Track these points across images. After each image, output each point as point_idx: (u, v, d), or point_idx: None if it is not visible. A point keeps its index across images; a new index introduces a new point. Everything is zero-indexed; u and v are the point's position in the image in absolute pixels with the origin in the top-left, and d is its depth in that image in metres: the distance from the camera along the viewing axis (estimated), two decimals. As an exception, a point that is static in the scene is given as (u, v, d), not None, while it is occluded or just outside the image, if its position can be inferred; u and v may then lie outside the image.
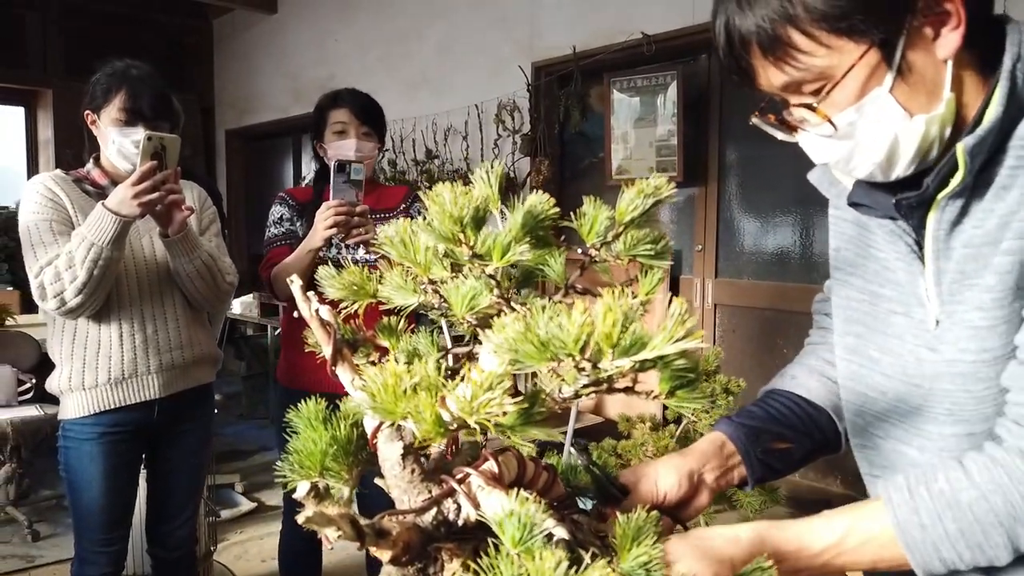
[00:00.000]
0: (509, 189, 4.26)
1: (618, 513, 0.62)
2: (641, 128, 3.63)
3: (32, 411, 3.49)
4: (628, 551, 0.58)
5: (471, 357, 0.84)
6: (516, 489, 0.58)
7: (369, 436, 0.68)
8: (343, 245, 2.05)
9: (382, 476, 0.70)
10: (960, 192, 0.75)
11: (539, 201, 0.74)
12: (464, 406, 0.53)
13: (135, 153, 1.77)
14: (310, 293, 0.70)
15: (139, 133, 1.76)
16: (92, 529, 1.87)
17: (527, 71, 4.13)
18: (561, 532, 0.60)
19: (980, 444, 0.72)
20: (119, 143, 1.79)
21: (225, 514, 3.50)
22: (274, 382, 2.26)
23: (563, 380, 0.62)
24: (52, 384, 1.87)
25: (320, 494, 0.63)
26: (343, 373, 0.69)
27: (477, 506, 0.65)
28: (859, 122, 0.74)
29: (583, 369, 0.60)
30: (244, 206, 7.04)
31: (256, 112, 6.68)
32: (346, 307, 0.79)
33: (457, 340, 0.83)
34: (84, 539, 1.88)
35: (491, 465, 0.69)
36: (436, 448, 0.73)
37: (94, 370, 1.83)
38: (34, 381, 3.70)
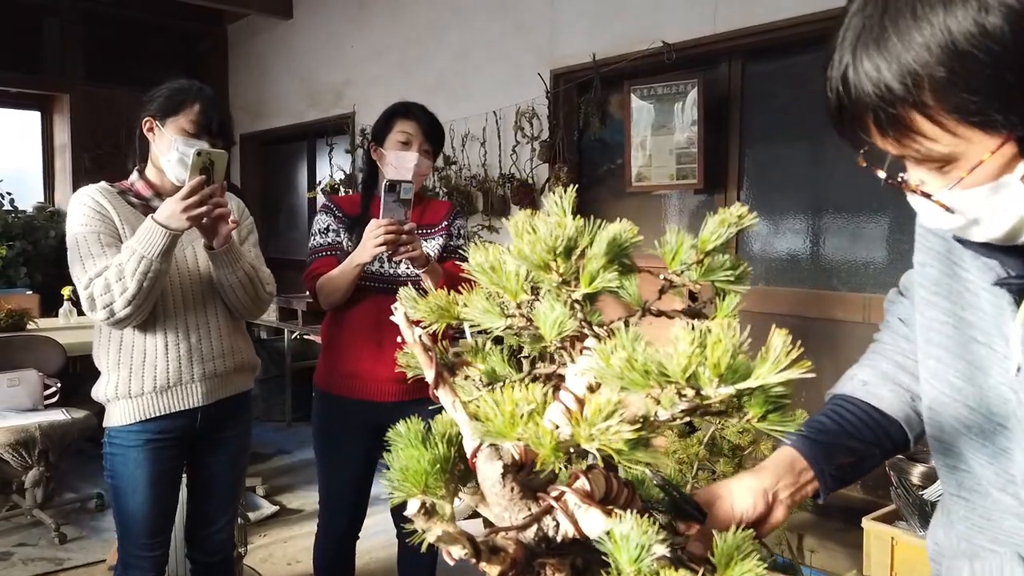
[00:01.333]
0: (528, 195, 4.30)
1: (715, 532, 0.65)
2: (660, 135, 3.66)
3: (59, 415, 3.53)
4: (730, 569, 0.61)
5: (550, 377, 0.87)
6: (629, 511, 0.61)
7: (469, 455, 0.72)
8: (386, 259, 2.10)
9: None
10: None
11: (623, 229, 0.78)
12: (582, 432, 0.57)
13: None
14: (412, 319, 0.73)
15: (202, 146, 1.81)
16: (137, 534, 1.91)
17: (546, 78, 4.17)
18: (663, 549, 0.63)
19: None
20: (183, 152, 1.83)
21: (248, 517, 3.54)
22: (314, 386, 2.30)
23: (659, 404, 0.66)
24: (99, 392, 1.91)
25: (429, 511, 0.67)
26: (444, 395, 0.72)
27: (575, 523, 0.69)
28: (984, 204, 0.69)
29: (684, 395, 0.63)
30: (260, 210, 7.09)
31: (271, 116, 6.73)
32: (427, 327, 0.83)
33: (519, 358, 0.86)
34: (128, 544, 1.92)
35: (584, 483, 0.72)
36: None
37: (140, 378, 1.87)
38: (59, 385, 3.74)
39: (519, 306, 0.79)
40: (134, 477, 1.88)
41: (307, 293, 4.68)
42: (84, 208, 1.83)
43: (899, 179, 0.74)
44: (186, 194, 1.73)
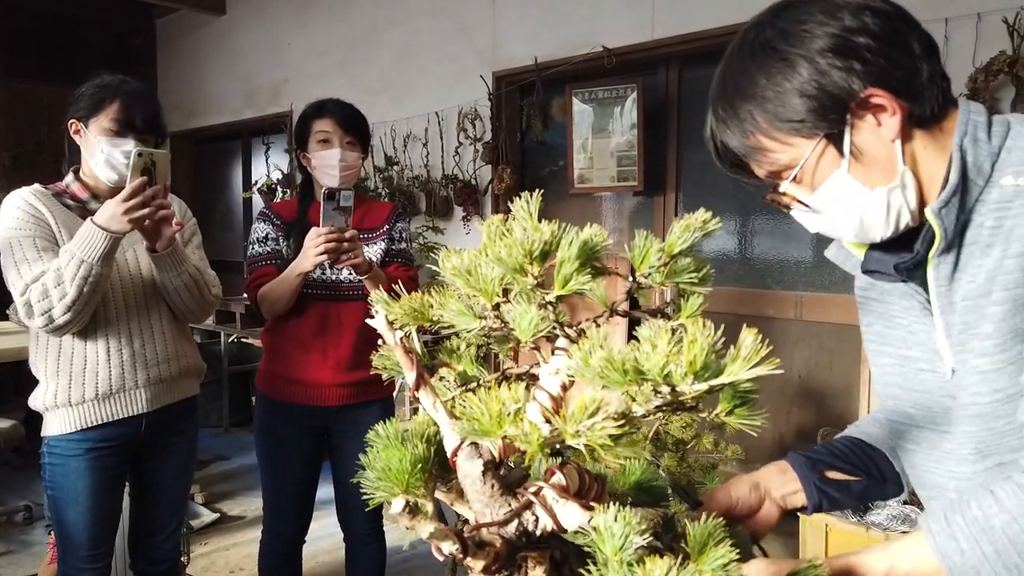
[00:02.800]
0: (471, 196, 4.31)
1: (687, 520, 0.69)
2: (602, 138, 3.73)
3: (-19, 425, 3.38)
4: (704, 554, 0.64)
5: (520, 377, 0.90)
6: (606, 503, 0.63)
7: (449, 454, 0.73)
8: (327, 266, 2.09)
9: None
10: (947, 249, 0.86)
11: (594, 233, 0.81)
12: (568, 429, 0.59)
13: (123, 164, 1.77)
14: (394, 322, 0.75)
15: (128, 144, 1.76)
16: (78, 546, 1.85)
17: (488, 80, 4.19)
18: (642, 540, 0.66)
19: (1010, 474, 0.81)
20: (108, 153, 1.78)
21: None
22: (254, 390, 2.27)
23: (633, 400, 0.69)
24: (36, 401, 1.85)
25: (413, 510, 0.68)
26: (424, 396, 0.74)
27: (554, 517, 0.71)
28: (829, 199, 0.88)
29: (660, 392, 0.66)
30: (193, 211, 6.89)
31: (204, 114, 6.55)
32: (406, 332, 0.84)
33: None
34: (70, 556, 1.86)
35: (560, 478, 0.75)
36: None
37: (81, 386, 1.81)
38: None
39: (495, 308, 0.81)
40: (75, 488, 1.82)
41: (244, 295, 4.58)
42: (17, 211, 1.76)
43: (772, 198, 0.94)
44: (127, 195, 1.68)
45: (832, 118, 0.85)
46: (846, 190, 0.87)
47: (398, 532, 2.84)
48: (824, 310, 3.24)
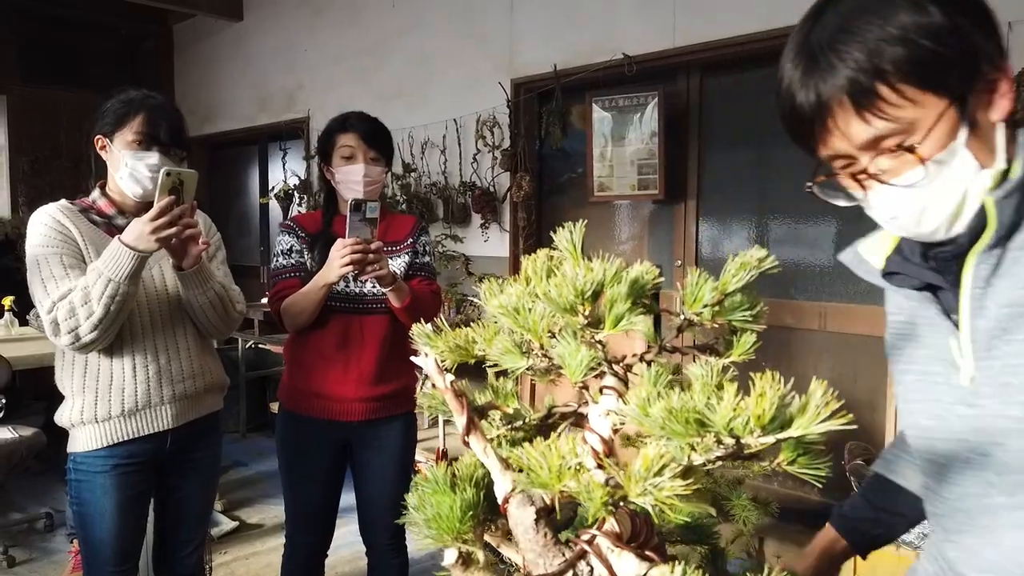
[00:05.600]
0: (489, 203, 4.30)
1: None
2: (622, 146, 3.71)
3: (5, 433, 3.38)
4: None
5: (565, 416, 0.88)
6: (663, 548, 0.61)
7: (500, 501, 0.72)
8: (351, 278, 2.07)
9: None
10: (993, 246, 0.80)
11: (645, 271, 0.79)
12: (634, 488, 0.57)
13: (147, 177, 1.77)
14: (437, 364, 0.73)
15: (153, 157, 1.76)
16: (104, 561, 1.85)
17: (506, 87, 4.17)
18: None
19: None
20: (132, 167, 1.78)
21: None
22: (279, 403, 2.26)
23: (693, 450, 0.67)
24: (63, 417, 1.84)
25: (466, 560, 0.67)
26: (475, 442, 0.72)
27: (610, 568, 0.69)
28: (940, 172, 0.78)
29: (723, 443, 0.64)
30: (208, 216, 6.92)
31: (219, 120, 6.58)
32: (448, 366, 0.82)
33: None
34: (96, 572, 1.86)
35: (613, 525, 0.73)
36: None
37: (107, 403, 1.81)
38: (3, 401, 3.59)
39: (542, 347, 0.80)
40: (101, 504, 1.82)
41: (261, 302, 4.58)
42: (44, 228, 1.76)
43: (861, 173, 0.82)
44: (155, 215, 1.67)
45: (967, 79, 0.76)
46: (961, 165, 0.78)
47: (419, 544, 2.84)
48: (849, 321, 3.20)
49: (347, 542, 3.03)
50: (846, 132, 0.80)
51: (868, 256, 0.95)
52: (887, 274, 0.92)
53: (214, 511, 3.80)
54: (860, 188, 0.85)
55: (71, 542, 3.29)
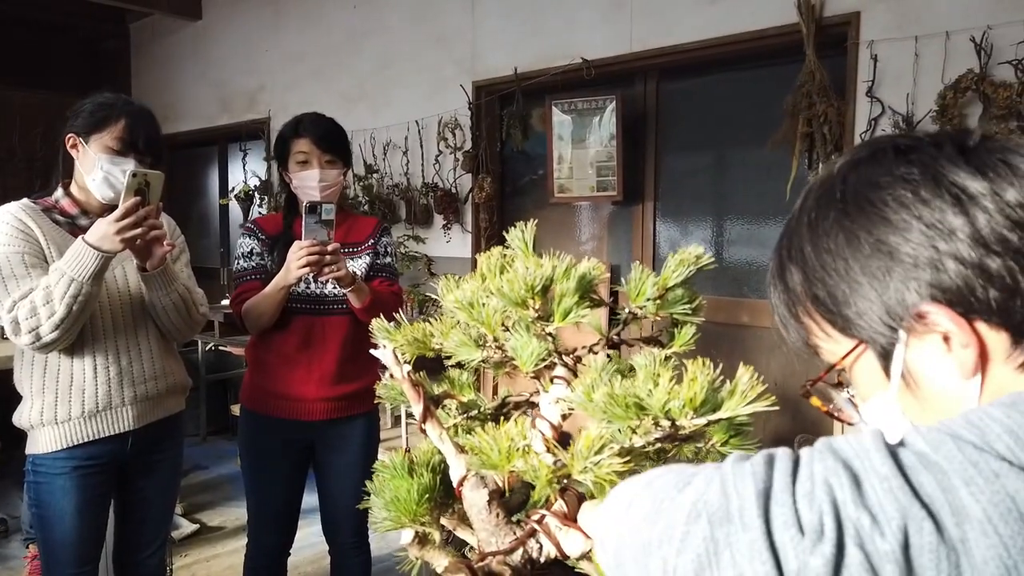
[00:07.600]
0: (451, 204, 4.34)
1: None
2: (581, 148, 3.77)
3: (-43, 439, 3.32)
4: None
5: (519, 405, 0.92)
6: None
7: (455, 484, 0.76)
8: (311, 279, 2.09)
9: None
10: None
11: (592, 267, 0.84)
12: (577, 466, 0.62)
13: (122, 183, 1.77)
14: (399, 355, 0.77)
15: (129, 164, 1.76)
16: (64, 564, 1.84)
17: (468, 90, 4.22)
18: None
19: None
20: (107, 171, 1.78)
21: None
22: (241, 404, 2.27)
23: (634, 432, 0.72)
24: (22, 418, 1.84)
25: (422, 540, 0.71)
26: (431, 428, 0.76)
27: (558, 544, 0.74)
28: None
29: (660, 426, 0.70)
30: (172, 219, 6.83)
31: (178, 120, 6.50)
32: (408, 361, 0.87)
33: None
34: (55, 574, 1.85)
35: (561, 505, 0.78)
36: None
37: (67, 404, 1.80)
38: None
39: (495, 339, 0.84)
40: (61, 506, 1.82)
41: (221, 303, 4.55)
42: (6, 227, 1.75)
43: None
44: (120, 216, 1.68)
45: (882, 331, 0.63)
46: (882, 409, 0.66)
47: (382, 542, 2.86)
48: (799, 319, 3.30)
49: (310, 543, 3.04)
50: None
51: None
52: None
53: (175, 514, 3.77)
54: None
55: (27, 547, 3.24)
